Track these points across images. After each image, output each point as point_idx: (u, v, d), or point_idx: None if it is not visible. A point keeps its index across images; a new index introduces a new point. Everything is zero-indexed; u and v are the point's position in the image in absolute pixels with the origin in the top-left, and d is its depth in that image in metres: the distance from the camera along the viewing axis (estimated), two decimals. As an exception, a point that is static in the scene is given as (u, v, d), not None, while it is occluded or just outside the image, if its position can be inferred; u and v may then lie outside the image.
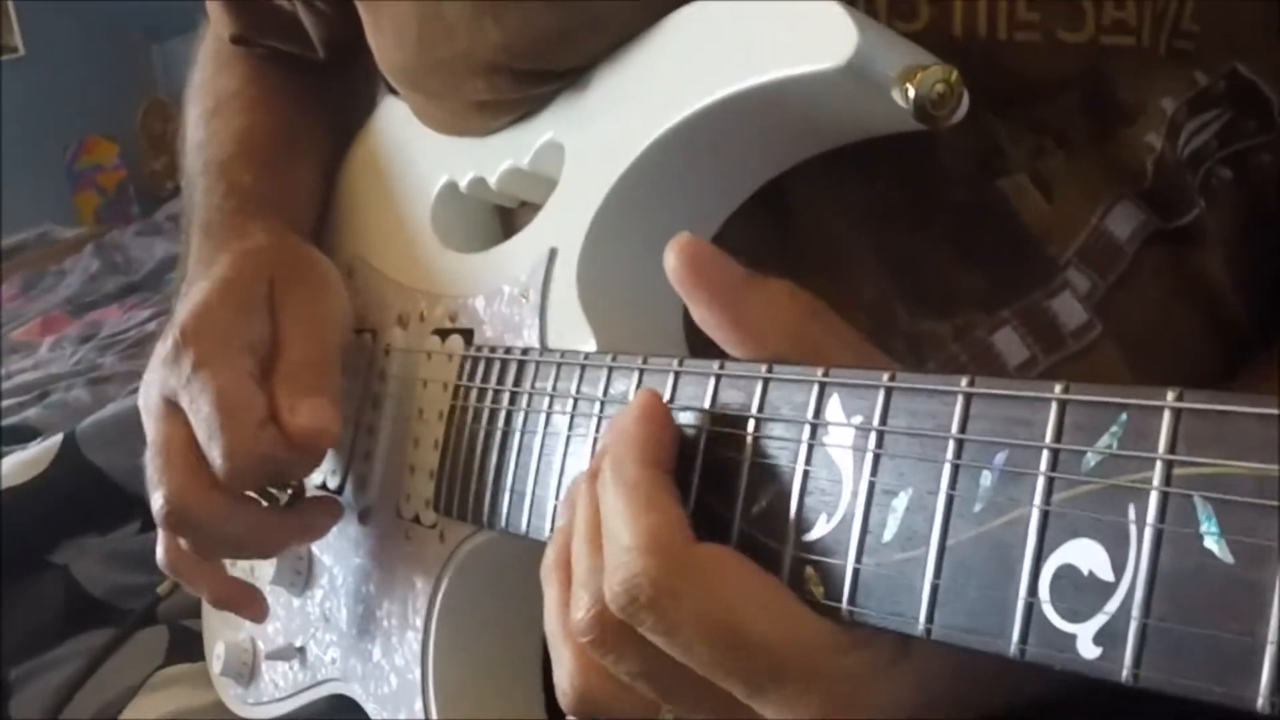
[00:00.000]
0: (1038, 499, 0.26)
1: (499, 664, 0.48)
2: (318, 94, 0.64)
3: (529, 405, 0.42)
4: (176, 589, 0.65)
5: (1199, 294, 0.43)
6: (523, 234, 0.47)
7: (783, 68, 0.36)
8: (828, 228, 0.42)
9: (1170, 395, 0.24)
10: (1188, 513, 0.23)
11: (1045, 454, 0.26)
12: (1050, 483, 0.26)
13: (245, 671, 0.60)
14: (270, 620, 0.58)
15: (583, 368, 0.40)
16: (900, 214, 0.41)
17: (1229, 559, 0.22)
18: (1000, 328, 0.41)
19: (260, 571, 0.57)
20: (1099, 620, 0.24)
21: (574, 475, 0.39)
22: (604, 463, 0.33)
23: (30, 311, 2.31)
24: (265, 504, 0.52)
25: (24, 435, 1.25)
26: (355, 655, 0.53)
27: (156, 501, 0.49)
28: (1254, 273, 0.44)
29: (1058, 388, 0.26)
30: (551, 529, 0.40)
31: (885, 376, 0.30)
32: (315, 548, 0.56)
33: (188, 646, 0.69)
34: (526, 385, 0.43)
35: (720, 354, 0.35)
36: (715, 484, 0.34)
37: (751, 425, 0.33)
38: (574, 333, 0.43)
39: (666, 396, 0.36)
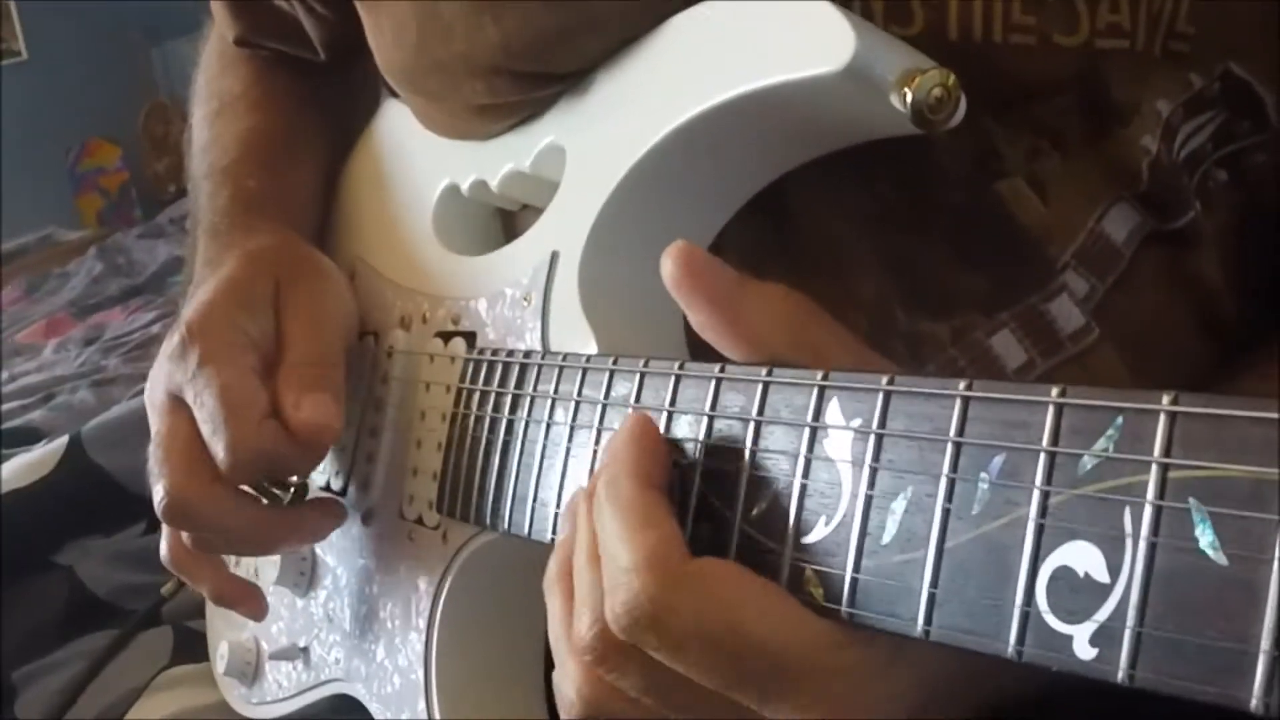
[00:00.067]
0: (1035, 501, 0.26)
1: (501, 664, 0.48)
2: (320, 96, 0.64)
3: (531, 408, 0.42)
4: (180, 590, 0.65)
5: (1195, 295, 0.43)
6: (524, 237, 0.47)
7: (782, 72, 0.37)
8: (827, 230, 0.42)
9: (1166, 398, 0.24)
10: (1183, 515, 0.23)
11: (1042, 457, 0.26)
12: (1047, 485, 0.26)
13: (249, 671, 0.60)
14: (274, 620, 0.58)
15: (584, 371, 0.40)
16: (898, 216, 0.41)
17: (1223, 561, 0.23)
18: (998, 330, 0.41)
19: (264, 572, 0.57)
20: (1095, 622, 0.24)
21: (576, 477, 0.39)
22: (598, 484, 0.33)
23: (34, 314, 2.32)
24: (267, 502, 0.52)
25: (29, 437, 1.26)
26: (358, 655, 0.53)
27: (158, 494, 0.49)
28: (1249, 273, 0.44)
29: (1054, 391, 0.26)
30: (554, 532, 0.40)
31: (884, 380, 0.30)
32: (319, 549, 0.57)
33: (192, 647, 0.69)
34: (528, 388, 0.43)
35: (721, 357, 0.35)
36: (716, 486, 0.34)
37: (751, 428, 0.33)
38: (575, 335, 0.43)
39: (667, 399, 0.36)
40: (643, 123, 0.41)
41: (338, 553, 0.55)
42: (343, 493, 0.55)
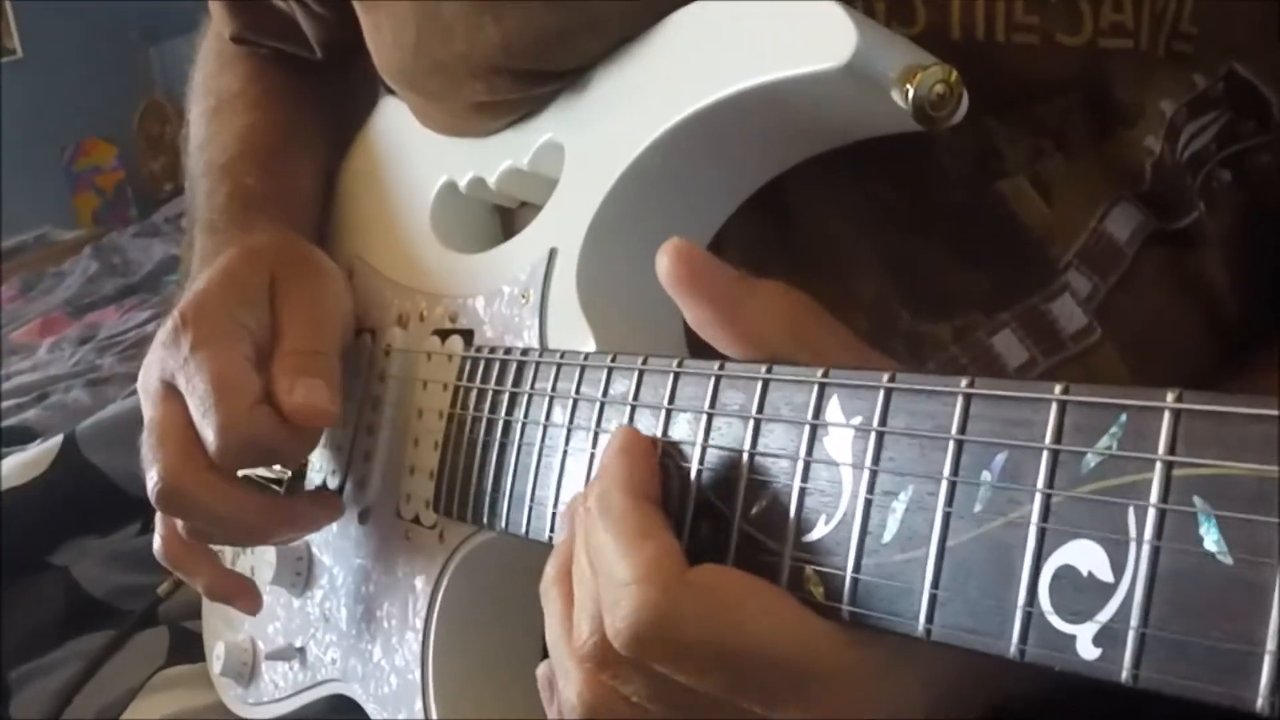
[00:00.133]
0: (1037, 500, 0.26)
1: (499, 664, 0.48)
2: (318, 94, 0.64)
3: (529, 406, 0.42)
4: (176, 590, 0.65)
5: (1198, 295, 0.43)
6: (522, 234, 0.47)
7: (783, 68, 0.36)
8: (827, 228, 0.42)
9: (1170, 396, 0.24)
10: (1188, 514, 0.23)
11: (1045, 455, 0.26)
12: (1050, 483, 0.26)
13: (245, 672, 0.60)
14: (270, 620, 0.58)
15: (582, 368, 0.40)
16: (899, 215, 0.41)
17: (1228, 560, 0.22)
18: (1000, 330, 0.41)
19: (260, 572, 0.57)
20: (1099, 621, 0.24)
21: (574, 475, 0.39)
22: (590, 500, 0.33)
23: (29, 313, 2.31)
24: (262, 491, 0.52)
25: (23, 436, 1.25)
26: (355, 655, 0.53)
27: (151, 479, 0.48)
28: (1252, 273, 0.44)
29: (1057, 389, 0.26)
30: (551, 530, 0.40)
31: (885, 377, 0.30)
32: (315, 548, 0.57)
33: (188, 648, 0.69)
34: (526, 386, 0.43)
35: (720, 355, 0.35)
36: (715, 485, 0.34)
37: (751, 426, 0.33)
38: (574, 333, 0.43)
39: (666, 397, 0.36)
40: (642, 119, 0.41)
41: (334, 552, 0.55)
42: (340, 491, 0.55)
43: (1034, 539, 0.26)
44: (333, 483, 0.55)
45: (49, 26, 3.33)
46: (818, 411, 0.31)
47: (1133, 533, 0.24)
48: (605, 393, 0.38)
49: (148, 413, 0.50)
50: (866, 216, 0.41)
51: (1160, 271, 0.42)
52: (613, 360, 0.38)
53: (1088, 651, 0.24)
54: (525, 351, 0.44)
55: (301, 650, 0.56)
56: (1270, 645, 0.21)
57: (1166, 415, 0.24)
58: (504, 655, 0.48)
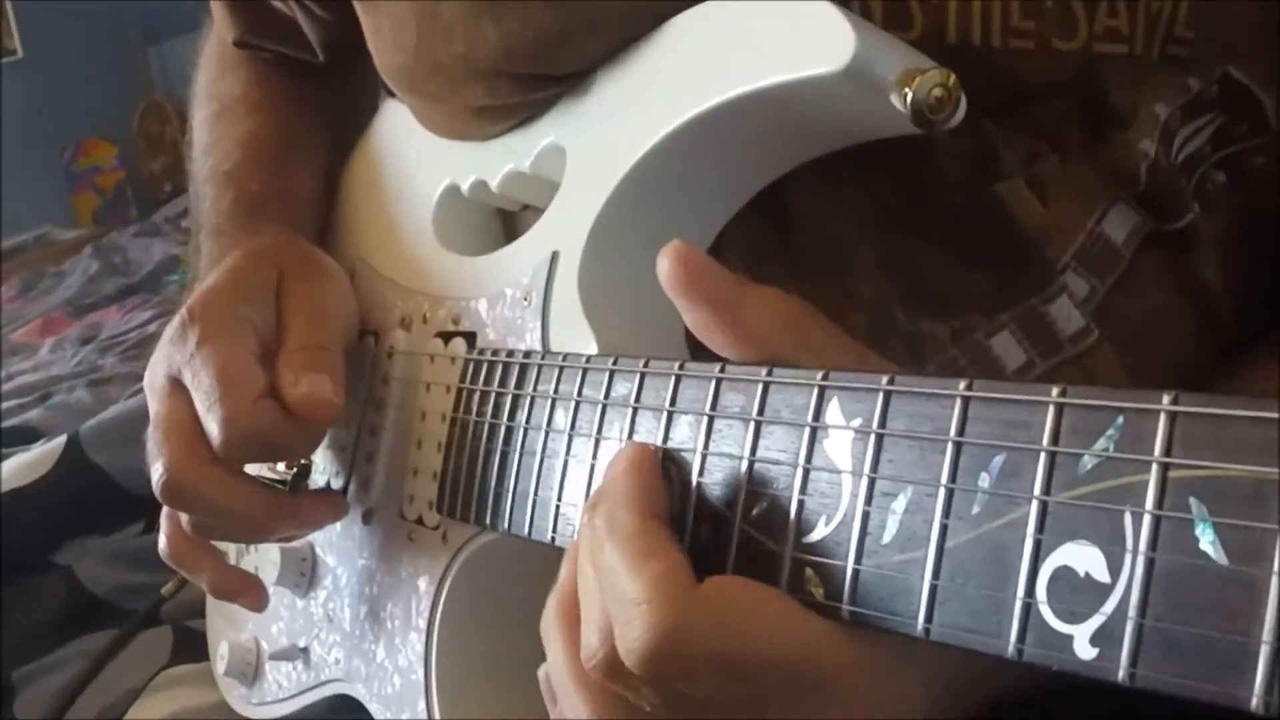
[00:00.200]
0: (1035, 501, 0.26)
1: (502, 665, 0.48)
2: (320, 97, 0.64)
3: (531, 408, 0.42)
4: (180, 589, 0.65)
5: (1195, 296, 0.43)
6: (524, 237, 0.47)
7: (782, 72, 0.37)
8: (826, 230, 0.42)
9: (1166, 398, 0.24)
10: (1184, 515, 0.23)
11: (1042, 456, 0.26)
12: (1047, 485, 0.26)
13: (249, 672, 0.60)
14: (274, 620, 0.58)
15: (584, 371, 0.40)
16: (898, 217, 0.42)
17: (1224, 561, 0.23)
18: (998, 332, 0.41)
19: (264, 572, 0.57)
20: (1096, 621, 0.25)
21: (576, 477, 0.39)
22: (598, 519, 0.33)
23: (30, 313, 2.32)
24: (266, 487, 0.52)
25: (27, 436, 1.25)
26: (359, 656, 0.53)
27: (156, 472, 0.48)
28: (1248, 274, 0.44)
29: (1055, 391, 0.26)
30: (554, 531, 0.40)
31: (884, 379, 0.30)
32: (318, 549, 0.57)
33: (192, 647, 0.69)
34: (529, 388, 0.43)
35: (720, 358, 0.35)
36: (716, 487, 0.34)
37: (751, 428, 0.33)
38: (576, 335, 0.43)
39: (667, 399, 0.36)
40: (643, 123, 0.41)
41: (338, 553, 0.55)
42: (343, 493, 0.55)
43: (1031, 540, 0.26)
44: (336, 484, 0.55)
45: (49, 26, 3.33)
46: (818, 413, 0.31)
47: (1129, 534, 0.24)
48: (607, 395, 0.38)
49: (153, 407, 0.50)
50: (866, 218, 0.42)
51: (1157, 272, 0.43)
52: (614, 363, 0.39)
53: (1085, 651, 0.25)
54: (527, 354, 0.44)
55: (305, 650, 0.57)
56: (1265, 644, 0.22)
57: (1163, 417, 0.24)
58: (507, 656, 0.49)
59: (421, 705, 0.48)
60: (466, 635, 0.48)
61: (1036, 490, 0.26)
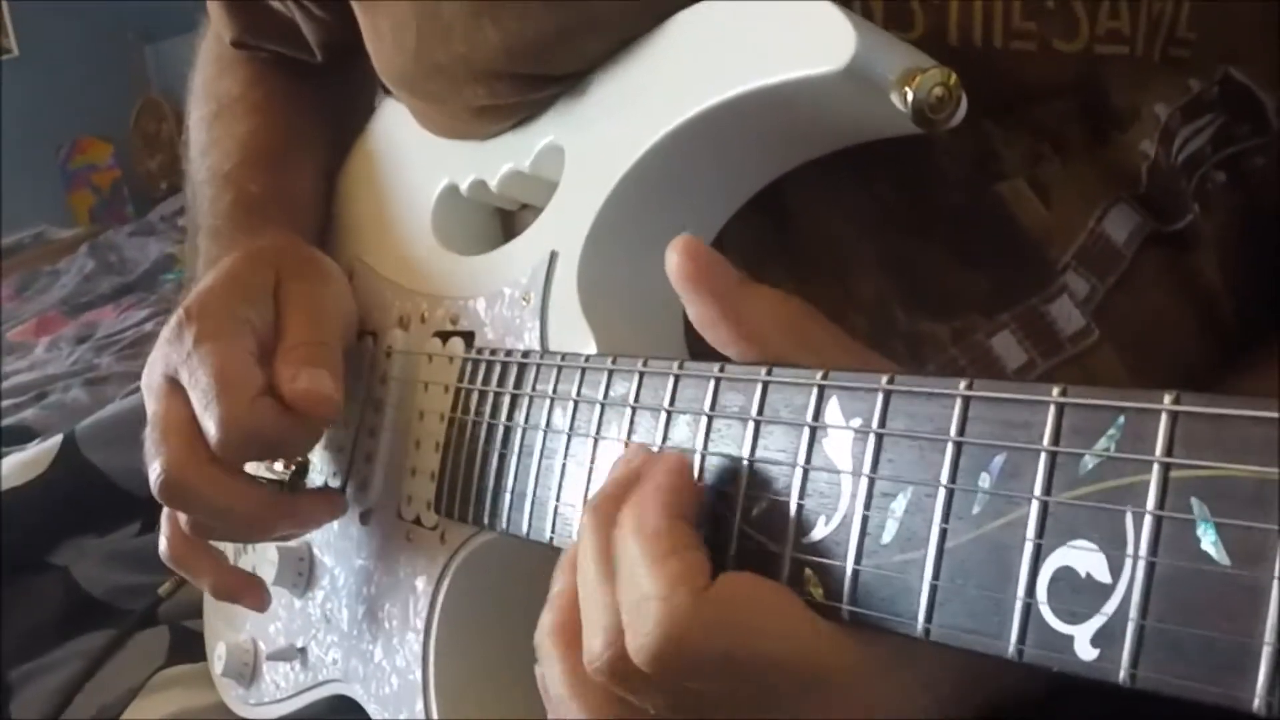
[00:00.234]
0: (1035, 502, 0.26)
1: (500, 665, 0.48)
2: (318, 97, 0.64)
3: (529, 408, 0.42)
4: (177, 590, 0.65)
5: (1195, 296, 0.43)
6: (523, 237, 0.47)
7: (782, 71, 0.37)
8: (826, 230, 0.42)
9: (1168, 398, 0.24)
10: (1185, 515, 0.23)
11: (1043, 456, 0.26)
12: (1048, 485, 0.26)
13: (246, 672, 0.60)
14: (271, 621, 0.58)
15: (583, 370, 0.40)
16: (898, 217, 0.42)
17: (1226, 561, 0.23)
18: (999, 331, 0.41)
19: (262, 572, 0.57)
20: (1096, 622, 0.25)
21: (575, 477, 0.39)
22: (625, 512, 0.32)
23: (26, 312, 2.31)
24: (264, 483, 0.52)
25: (22, 436, 1.25)
26: (356, 656, 0.53)
27: (154, 472, 0.48)
28: (1248, 274, 0.44)
29: (1055, 391, 0.26)
30: (552, 531, 0.40)
31: (884, 379, 0.30)
32: (316, 549, 0.57)
33: (189, 647, 0.69)
34: (527, 388, 0.43)
35: (720, 357, 0.35)
36: (715, 487, 0.34)
37: (751, 427, 0.33)
38: (574, 335, 0.43)
39: (666, 399, 0.36)
40: (642, 122, 0.41)
41: (336, 553, 0.55)
42: (341, 493, 0.55)
43: (1032, 540, 0.26)
44: (334, 484, 0.55)
45: (45, 25, 3.33)
46: (817, 413, 0.31)
47: (1130, 534, 0.24)
48: (606, 395, 0.38)
49: (151, 407, 0.50)
50: (866, 218, 0.42)
51: (1158, 273, 0.43)
52: (613, 362, 0.39)
53: (1086, 652, 0.25)
54: (526, 354, 0.44)
55: (303, 651, 0.57)
56: (1267, 645, 0.22)
57: (1164, 417, 0.24)
58: (505, 656, 0.49)
59: (419, 705, 0.48)
60: (465, 635, 0.48)
61: (1037, 490, 0.26)
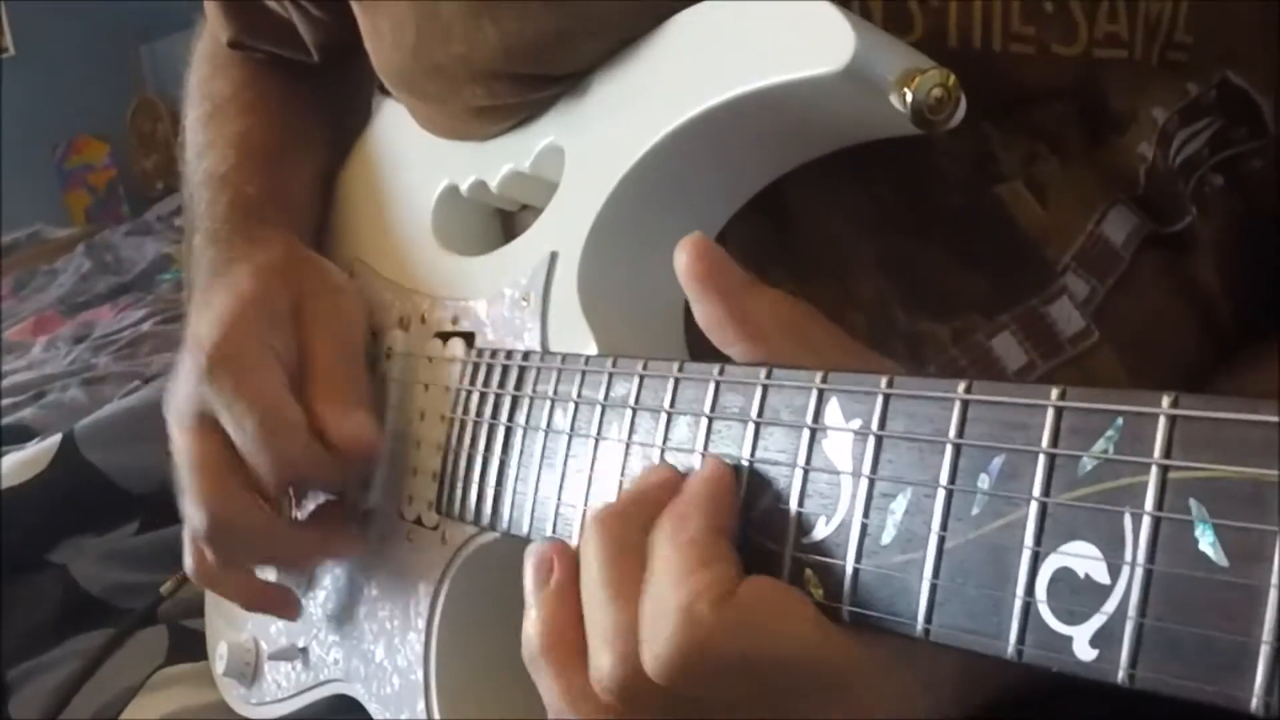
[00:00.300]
0: (1034, 502, 0.26)
1: (501, 665, 0.48)
2: (315, 98, 0.64)
3: (530, 409, 0.43)
4: (179, 589, 0.65)
5: (1193, 297, 0.44)
6: (523, 237, 0.47)
7: (781, 72, 0.37)
8: (826, 231, 0.42)
9: (1166, 400, 0.24)
10: (1183, 516, 0.23)
11: (1042, 458, 0.26)
12: (1047, 487, 0.26)
13: (248, 672, 0.60)
14: (273, 621, 0.58)
15: (583, 372, 0.40)
16: (898, 218, 0.42)
17: (1224, 562, 0.23)
18: (999, 332, 0.41)
19: (264, 573, 0.57)
20: (1095, 622, 0.25)
21: (575, 477, 0.39)
22: (664, 518, 0.32)
23: (22, 311, 2.31)
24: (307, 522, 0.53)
25: (21, 435, 1.25)
26: (358, 656, 0.53)
27: (198, 518, 0.49)
28: (1245, 276, 0.45)
29: (1054, 393, 0.26)
30: (553, 530, 0.40)
31: (884, 381, 0.30)
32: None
33: (188, 646, 0.69)
34: (528, 389, 0.43)
35: (720, 358, 0.35)
36: (715, 488, 0.34)
37: (751, 429, 0.33)
38: (575, 336, 0.43)
39: (667, 400, 0.36)
40: (642, 123, 0.41)
41: (336, 553, 0.55)
42: (341, 493, 0.55)
43: (1031, 541, 0.26)
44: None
45: (41, 24, 3.32)
46: (817, 414, 0.32)
47: (1129, 535, 0.24)
48: (606, 396, 0.39)
49: (185, 447, 0.51)
50: (865, 219, 0.42)
51: (1157, 274, 0.43)
52: (613, 364, 0.39)
53: (1084, 652, 0.25)
54: (526, 355, 0.44)
55: (304, 650, 0.57)
56: (1264, 645, 0.22)
57: (1162, 419, 0.24)
58: (506, 656, 0.48)
59: (421, 705, 0.48)
60: (466, 635, 0.48)
61: (1036, 491, 0.26)
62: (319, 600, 0.56)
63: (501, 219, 0.53)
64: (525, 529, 0.42)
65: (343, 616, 0.54)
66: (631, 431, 0.37)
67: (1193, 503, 0.23)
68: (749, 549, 0.32)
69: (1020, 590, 0.26)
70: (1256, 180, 0.44)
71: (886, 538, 0.29)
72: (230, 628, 0.62)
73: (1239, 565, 0.22)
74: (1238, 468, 0.23)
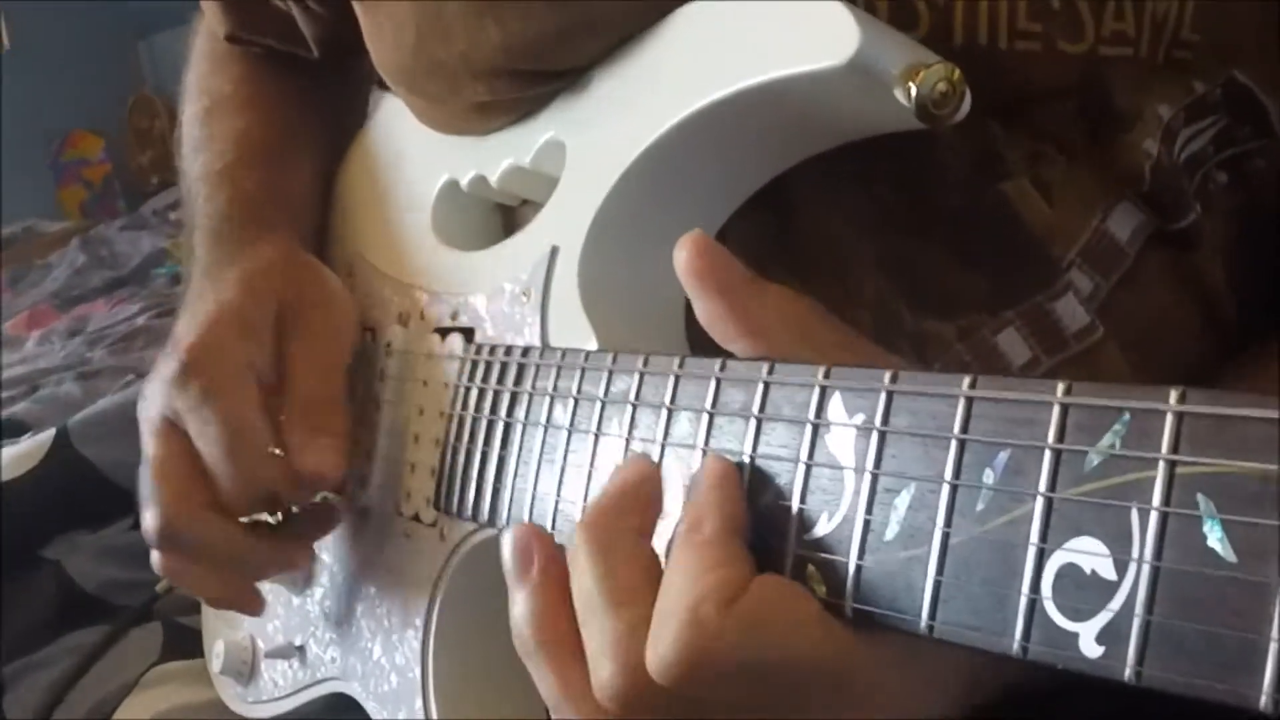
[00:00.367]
0: (1040, 498, 0.26)
1: (499, 662, 0.48)
2: (314, 93, 0.64)
3: (530, 405, 0.42)
4: (174, 586, 0.65)
5: (1198, 294, 0.44)
6: (524, 232, 0.47)
7: (785, 66, 0.36)
8: (828, 228, 0.42)
9: (1173, 396, 0.24)
10: (1191, 512, 0.23)
11: (1047, 454, 0.26)
12: (1053, 482, 0.26)
13: (245, 670, 0.60)
14: (270, 619, 0.58)
15: (583, 368, 0.40)
16: (900, 216, 0.42)
17: (1232, 558, 0.23)
18: (1004, 329, 0.41)
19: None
20: (1102, 619, 0.24)
21: (575, 474, 0.39)
22: (680, 526, 0.32)
23: (17, 305, 2.30)
24: (258, 525, 0.52)
25: (15, 429, 1.25)
26: (355, 654, 0.53)
27: (149, 521, 0.50)
28: (1249, 274, 0.45)
29: (1060, 388, 0.26)
30: (553, 527, 0.40)
31: (887, 377, 0.30)
32: (315, 546, 0.56)
33: (183, 643, 0.69)
34: (527, 385, 0.43)
35: (722, 353, 0.35)
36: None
37: (753, 425, 0.33)
38: (575, 331, 0.43)
39: (668, 396, 0.36)
40: (644, 118, 0.41)
41: (334, 550, 0.55)
42: (339, 490, 0.54)
43: (1036, 537, 0.26)
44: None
45: (37, 19, 3.31)
46: (820, 410, 0.31)
47: (1136, 531, 0.24)
48: (606, 392, 0.38)
49: (150, 447, 0.51)
50: (868, 217, 0.42)
51: (1161, 270, 0.43)
52: (614, 359, 0.38)
53: (1090, 649, 0.25)
54: (526, 351, 0.44)
55: (301, 649, 0.56)
56: (1274, 642, 0.22)
57: (1170, 414, 0.24)
58: (504, 653, 0.48)
59: (418, 703, 0.48)
60: (464, 633, 0.48)
61: (1042, 487, 0.26)
62: (316, 598, 0.56)
63: (502, 214, 0.52)
64: (524, 525, 0.42)
65: (340, 614, 0.54)
66: (632, 427, 0.37)
67: (1201, 498, 0.23)
68: (752, 545, 0.32)
69: (1025, 586, 0.26)
70: (1260, 179, 0.44)
71: (890, 534, 0.29)
72: (227, 626, 0.62)
73: (1248, 561, 0.22)
74: (1246, 463, 0.23)
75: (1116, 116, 0.41)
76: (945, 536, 0.28)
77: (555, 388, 0.41)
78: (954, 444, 0.28)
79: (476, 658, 0.48)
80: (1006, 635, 0.26)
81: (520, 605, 0.34)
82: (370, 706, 0.51)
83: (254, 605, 0.54)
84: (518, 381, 0.43)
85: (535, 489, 0.41)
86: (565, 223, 0.44)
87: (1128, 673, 0.24)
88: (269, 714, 0.59)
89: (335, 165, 0.62)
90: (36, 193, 3.37)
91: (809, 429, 0.31)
